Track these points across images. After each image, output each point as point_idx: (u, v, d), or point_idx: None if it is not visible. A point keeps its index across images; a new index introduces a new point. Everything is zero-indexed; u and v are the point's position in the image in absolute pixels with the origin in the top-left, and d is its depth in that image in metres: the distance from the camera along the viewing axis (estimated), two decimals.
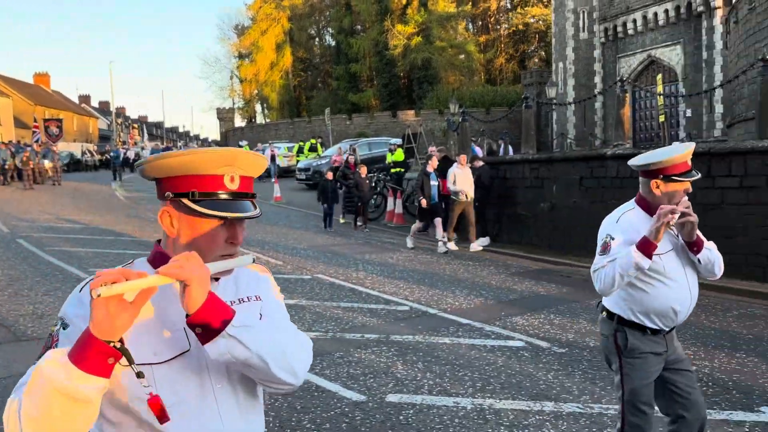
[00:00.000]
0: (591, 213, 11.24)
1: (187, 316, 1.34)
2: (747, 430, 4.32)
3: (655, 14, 33.98)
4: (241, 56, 65.40)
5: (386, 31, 52.16)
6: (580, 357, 5.92)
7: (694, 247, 2.99)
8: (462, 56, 53.73)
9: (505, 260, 11.56)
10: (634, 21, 35.31)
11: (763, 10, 18.83)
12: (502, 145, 27.02)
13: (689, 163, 2.97)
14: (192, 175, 1.45)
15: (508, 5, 58.62)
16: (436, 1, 52.83)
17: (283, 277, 9.71)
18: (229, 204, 1.47)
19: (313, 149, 30.09)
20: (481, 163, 13.52)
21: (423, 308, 7.83)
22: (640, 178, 3.08)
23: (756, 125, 10.80)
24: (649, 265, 2.86)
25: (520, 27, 56.31)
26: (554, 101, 34.27)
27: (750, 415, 4.55)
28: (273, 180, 23.83)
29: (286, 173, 29.49)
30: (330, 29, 63.65)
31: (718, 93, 28.74)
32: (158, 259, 1.51)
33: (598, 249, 3.04)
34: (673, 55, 33.61)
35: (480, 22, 59.98)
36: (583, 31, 38.25)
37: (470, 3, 56.19)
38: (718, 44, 30.15)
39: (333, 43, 62.56)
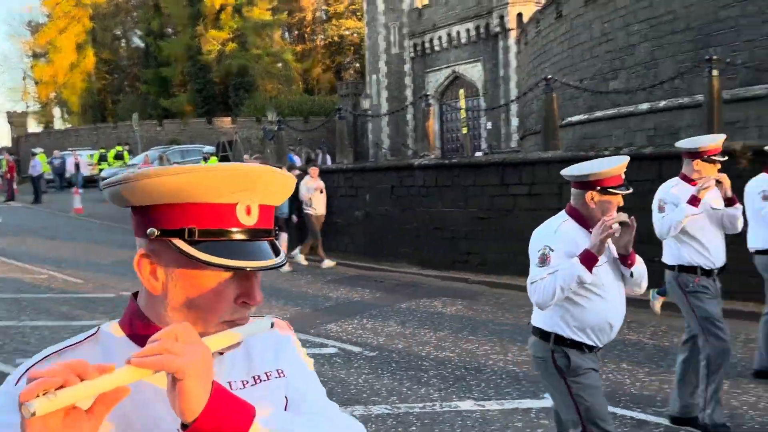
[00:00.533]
0: (401, 220, 11.80)
1: (183, 425, 0.87)
2: (533, 415, 4.78)
3: (458, 33, 36.53)
4: (35, 56, 59.56)
5: (199, 35, 50.52)
6: (389, 359, 6.17)
7: (629, 260, 2.95)
8: (279, 65, 53.63)
9: (323, 268, 11.72)
10: (440, 38, 37.66)
11: (547, 34, 21.06)
12: (320, 155, 27.45)
13: (623, 176, 2.97)
14: (190, 203, 0.97)
15: (324, 16, 59.60)
16: (251, 8, 52.20)
17: (84, 296, 9.00)
18: (244, 247, 0.99)
19: (119, 157, 28.28)
20: (298, 172, 13.57)
21: None
22: (573, 190, 3.01)
23: (541, 138, 12.01)
24: (591, 279, 2.79)
25: (336, 38, 57.53)
26: (368, 112, 35.51)
27: (536, 402, 5.04)
28: (73, 190, 21.99)
29: (88, 183, 27.39)
30: (138, 31, 60.19)
31: (514, 107, 31.54)
32: (135, 325, 1.05)
33: (535, 260, 2.92)
34: (474, 72, 36.33)
35: (296, 32, 60.34)
36: (395, 45, 40.01)
37: (286, 12, 56.30)
38: (513, 63, 33.17)
39: (142, 45, 59.30)
